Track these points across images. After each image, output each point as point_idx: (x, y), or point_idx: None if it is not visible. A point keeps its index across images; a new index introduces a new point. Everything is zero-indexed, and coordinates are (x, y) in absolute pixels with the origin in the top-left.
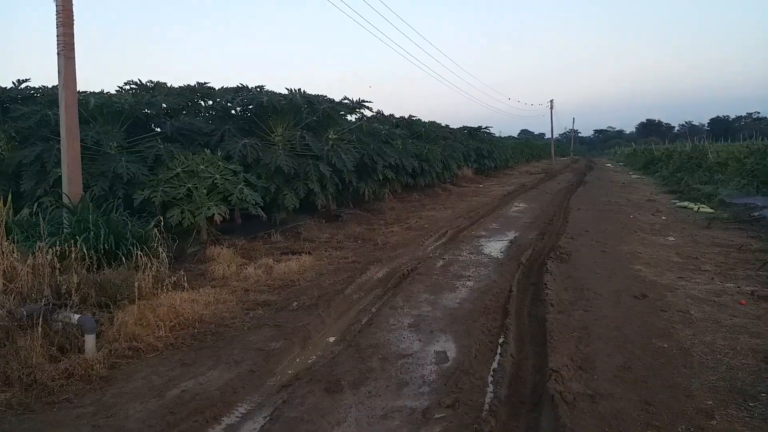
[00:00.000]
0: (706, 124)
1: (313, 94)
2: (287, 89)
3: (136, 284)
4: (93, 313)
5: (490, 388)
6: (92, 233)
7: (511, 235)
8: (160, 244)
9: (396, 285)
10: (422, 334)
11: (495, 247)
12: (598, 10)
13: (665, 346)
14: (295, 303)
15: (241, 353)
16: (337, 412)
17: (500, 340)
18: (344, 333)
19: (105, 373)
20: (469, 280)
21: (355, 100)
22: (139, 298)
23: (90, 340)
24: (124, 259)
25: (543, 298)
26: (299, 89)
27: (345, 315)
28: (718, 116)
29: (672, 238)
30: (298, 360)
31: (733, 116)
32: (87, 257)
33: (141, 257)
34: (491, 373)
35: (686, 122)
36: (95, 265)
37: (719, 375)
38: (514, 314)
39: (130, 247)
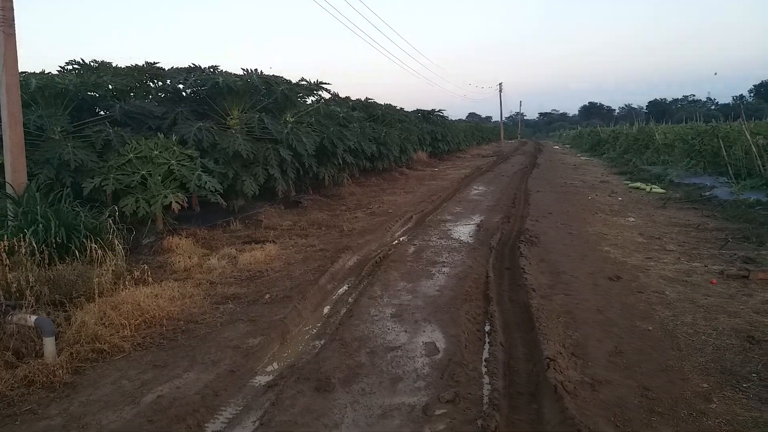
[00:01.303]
0: (645, 107)
1: (270, 75)
2: (243, 69)
3: (95, 280)
4: (48, 312)
5: (486, 379)
6: (41, 225)
7: (477, 219)
8: (115, 236)
9: (370, 273)
10: (407, 325)
11: (463, 231)
12: None
13: (650, 328)
14: (267, 295)
15: (217, 352)
16: (332, 413)
17: (486, 328)
18: (324, 326)
19: (69, 379)
20: (444, 266)
21: (312, 82)
22: (98, 295)
23: (49, 343)
24: (77, 253)
25: (522, 282)
26: (255, 69)
27: (322, 306)
28: (656, 99)
29: (632, 219)
30: (279, 357)
31: (669, 99)
32: (37, 252)
33: (96, 251)
34: (484, 363)
35: (626, 105)
36: (47, 261)
37: (708, 356)
38: (495, 300)
39: (84, 240)
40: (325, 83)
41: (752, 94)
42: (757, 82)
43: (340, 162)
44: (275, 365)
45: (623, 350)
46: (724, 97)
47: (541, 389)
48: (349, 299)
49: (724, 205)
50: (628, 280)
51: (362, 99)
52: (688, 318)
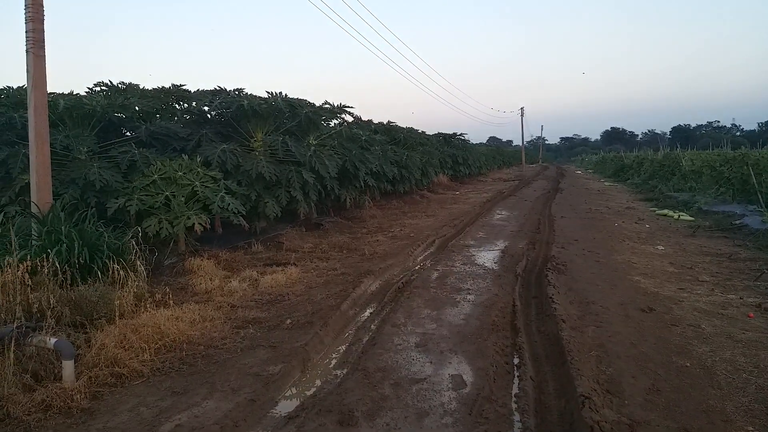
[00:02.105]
0: (668, 132)
1: (294, 97)
2: (267, 92)
3: (117, 302)
4: (68, 334)
5: (516, 416)
6: (65, 246)
7: (501, 244)
8: (137, 257)
9: (393, 299)
10: (432, 356)
11: (487, 257)
12: (564, 21)
13: (687, 364)
14: (288, 320)
15: (237, 379)
16: None
17: (515, 361)
18: (346, 354)
19: (87, 405)
20: (469, 294)
21: (336, 105)
22: (119, 317)
23: (68, 366)
24: (99, 273)
25: (550, 313)
26: (280, 92)
27: (344, 333)
28: (680, 125)
29: (661, 247)
30: (300, 386)
31: (693, 125)
32: (60, 272)
33: (118, 271)
34: (514, 399)
35: (649, 130)
36: (69, 281)
37: (751, 396)
38: (524, 331)
39: (106, 261)
40: (348, 106)
41: None
42: None
43: (362, 185)
44: (296, 395)
45: (660, 388)
46: (750, 124)
47: (576, 429)
48: (372, 326)
49: (755, 234)
50: (662, 312)
51: (384, 122)
52: (727, 354)
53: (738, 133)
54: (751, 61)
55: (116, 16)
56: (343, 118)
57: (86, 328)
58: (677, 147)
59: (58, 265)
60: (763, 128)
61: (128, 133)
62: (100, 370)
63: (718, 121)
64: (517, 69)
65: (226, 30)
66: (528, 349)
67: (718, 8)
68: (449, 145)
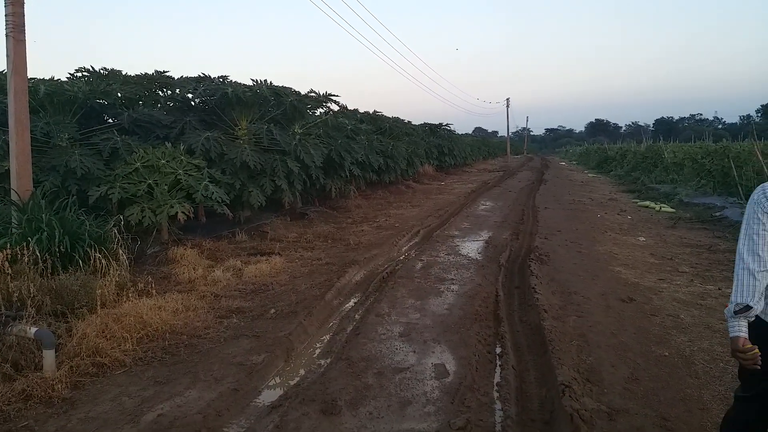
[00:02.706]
0: (651, 125)
1: (279, 85)
2: (252, 80)
3: (98, 291)
4: (49, 323)
5: (498, 405)
6: (45, 234)
7: (485, 235)
8: (120, 246)
9: (377, 289)
10: (416, 345)
11: (471, 247)
12: (550, 14)
13: (666, 354)
14: (272, 310)
15: (220, 369)
16: None
17: (497, 350)
18: (330, 344)
19: (68, 395)
20: (453, 284)
21: (321, 94)
22: (101, 306)
23: (49, 356)
24: (80, 262)
25: (533, 303)
26: (265, 80)
27: (328, 323)
28: (663, 117)
29: (642, 238)
30: (284, 376)
31: (676, 117)
32: (40, 261)
33: (99, 260)
34: (496, 388)
35: (633, 122)
36: (49, 270)
37: (727, 385)
38: (506, 321)
39: (88, 249)
40: (334, 95)
41: (759, 114)
42: (764, 102)
43: (347, 174)
44: (280, 385)
45: (639, 377)
46: (732, 117)
47: (556, 417)
48: (356, 316)
49: (735, 226)
50: (642, 302)
51: (370, 112)
52: (705, 344)
53: (720, 126)
54: (733, 55)
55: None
56: (328, 107)
57: (67, 317)
58: (660, 139)
59: (38, 254)
60: (745, 121)
61: (110, 120)
62: (82, 359)
63: (701, 114)
64: (504, 60)
65: (210, 18)
66: (510, 338)
67: (702, 3)
68: (435, 135)
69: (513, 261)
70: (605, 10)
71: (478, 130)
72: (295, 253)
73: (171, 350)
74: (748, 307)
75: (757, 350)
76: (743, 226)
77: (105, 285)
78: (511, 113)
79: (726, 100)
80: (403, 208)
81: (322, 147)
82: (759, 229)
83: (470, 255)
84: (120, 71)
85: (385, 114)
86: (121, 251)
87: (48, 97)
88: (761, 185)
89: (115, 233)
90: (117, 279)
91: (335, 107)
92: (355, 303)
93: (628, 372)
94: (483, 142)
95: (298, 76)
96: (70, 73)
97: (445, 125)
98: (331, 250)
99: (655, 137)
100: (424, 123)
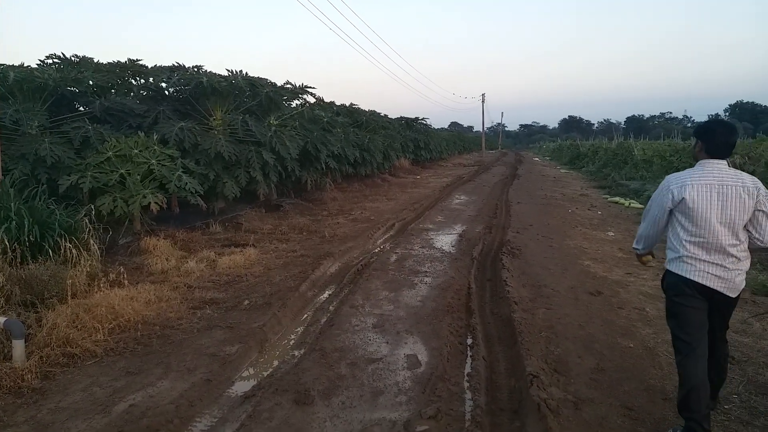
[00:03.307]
0: (623, 122)
1: (255, 76)
2: (228, 70)
3: (69, 281)
4: (18, 313)
5: (468, 395)
6: (14, 223)
7: (459, 228)
8: (91, 236)
9: (352, 281)
10: (389, 336)
11: (445, 240)
12: (525, 11)
13: (631, 345)
14: (246, 301)
15: (193, 359)
16: (311, 428)
17: (469, 341)
18: (304, 335)
19: (38, 385)
20: (426, 276)
21: (298, 85)
22: (71, 297)
23: (18, 346)
24: (50, 252)
25: (504, 295)
26: (240, 71)
27: (302, 314)
28: (634, 115)
29: (611, 233)
30: (257, 366)
31: (647, 115)
32: (9, 250)
33: (70, 250)
34: (466, 378)
35: (605, 119)
36: (19, 259)
37: None
38: (478, 313)
39: (58, 239)
40: (310, 87)
41: (727, 114)
42: (732, 102)
43: (323, 167)
44: (253, 375)
45: (605, 367)
46: (701, 116)
47: (524, 407)
48: (330, 307)
49: None
50: (609, 295)
51: (347, 104)
52: (669, 336)
53: (689, 125)
54: (703, 56)
55: None
56: (305, 99)
57: (37, 307)
58: (631, 136)
59: (7, 243)
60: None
61: (82, 108)
62: (52, 350)
63: (671, 113)
64: (480, 56)
65: (184, 7)
66: (481, 330)
67: (674, 4)
68: (411, 129)
69: (486, 254)
70: (579, 8)
71: (454, 125)
72: (269, 245)
73: (143, 341)
74: (637, 249)
75: (650, 257)
76: (650, 204)
77: (75, 275)
78: (486, 109)
79: (696, 99)
80: (378, 201)
81: (298, 139)
82: (656, 212)
83: (444, 248)
84: (92, 59)
85: (361, 107)
86: (92, 241)
87: (17, 84)
88: (668, 176)
89: (86, 223)
90: (88, 269)
91: (312, 99)
92: (329, 295)
93: (595, 363)
94: (459, 137)
95: (275, 68)
96: (40, 60)
97: (422, 119)
98: (306, 242)
99: (627, 134)
100: (401, 117)
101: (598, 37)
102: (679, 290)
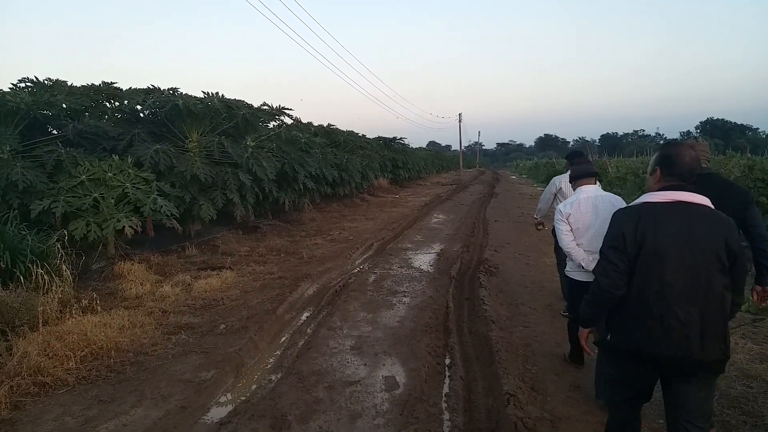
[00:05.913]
0: (598, 140)
1: (231, 98)
2: (204, 92)
3: (40, 308)
4: None
5: (446, 416)
6: None
7: (437, 247)
8: (63, 261)
9: (330, 303)
10: (367, 358)
11: (423, 260)
12: (501, 30)
13: None
14: (222, 325)
15: (167, 386)
16: None
17: (447, 361)
18: (281, 359)
19: (8, 415)
20: (404, 296)
21: (275, 107)
22: (43, 324)
23: None
24: (22, 278)
25: (482, 314)
26: (216, 93)
27: (279, 338)
28: (608, 133)
29: None
30: (233, 392)
31: (621, 133)
32: None
33: (42, 276)
34: (444, 398)
35: (580, 137)
36: None
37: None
38: (455, 332)
39: (29, 265)
40: (287, 109)
41: (698, 131)
42: (703, 119)
43: (301, 187)
44: (229, 401)
45: (581, 385)
46: (672, 133)
47: (502, 426)
48: (308, 330)
49: None
50: None
51: (325, 125)
52: None
53: (661, 142)
54: (676, 75)
55: (44, 9)
56: (282, 120)
57: (7, 335)
58: (605, 154)
59: None
60: (685, 137)
61: (55, 132)
62: (23, 378)
63: (644, 130)
64: (457, 76)
65: (159, 29)
66: (459, 349)
67: (646, 26)
68: (389, 148)
69: (463, 273)
70: (552, 30)
71: (432, 143)
72: (247, 267)
73: (116, 368)
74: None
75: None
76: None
77: (47, 302)
78: (463, 128)
79: (668, 117)
80: (357, 221)
81: (275, 160)
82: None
83: (422, 267)
84: (65, 82)
85: (339, 128)
86: (64, 267)
87: None
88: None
89: (58, 248)
90: (60, 295)
91: (289, 120)
92: (307, 317)
93: (571, 380)
94: (437, 156)
95: (252, 89)
96: (12, 84)
97: (400, 139)
98: (284, 263)
99: (601, 152)
100: (379, 137)
101: (573, 58)
102: None
